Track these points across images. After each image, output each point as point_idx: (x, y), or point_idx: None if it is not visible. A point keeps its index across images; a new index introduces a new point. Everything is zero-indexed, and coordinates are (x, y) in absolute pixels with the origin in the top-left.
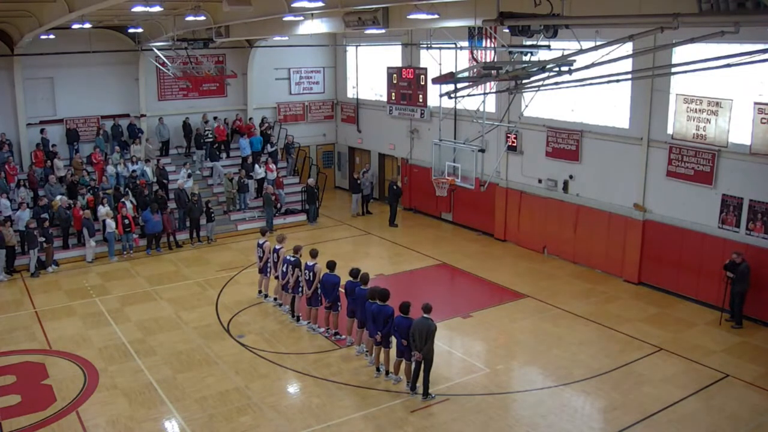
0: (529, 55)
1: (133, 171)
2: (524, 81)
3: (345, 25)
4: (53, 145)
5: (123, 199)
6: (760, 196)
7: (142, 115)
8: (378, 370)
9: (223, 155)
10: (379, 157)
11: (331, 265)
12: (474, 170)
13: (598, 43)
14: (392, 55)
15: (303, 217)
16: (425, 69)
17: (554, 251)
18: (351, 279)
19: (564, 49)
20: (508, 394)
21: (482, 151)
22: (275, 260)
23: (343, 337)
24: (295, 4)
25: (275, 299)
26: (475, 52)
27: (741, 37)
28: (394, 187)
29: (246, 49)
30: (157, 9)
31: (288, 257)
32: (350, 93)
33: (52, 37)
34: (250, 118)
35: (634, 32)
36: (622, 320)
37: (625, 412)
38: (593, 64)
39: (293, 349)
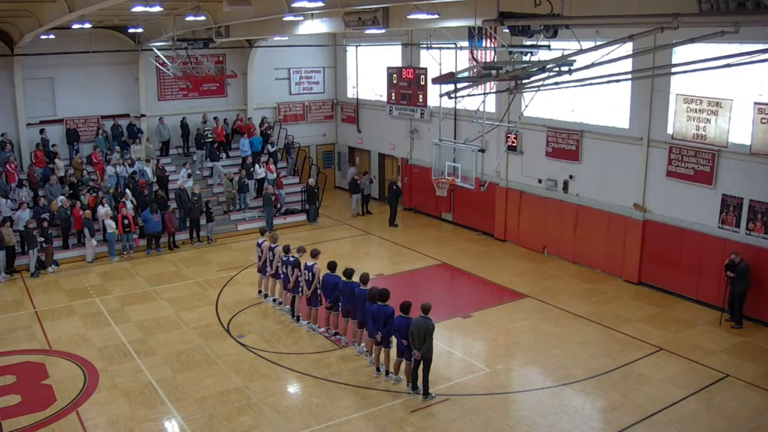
0: (529, 55)
1: (133, 171)
2: (524, 81)
3: (345, 25)
4: (53, 145)
5: (123, 199)
6: (760, 196)
7: (142, 115)
8: (378, 370)
9: (223, 155)
10: (379, 157)
11: (331, 266)
12: (474, 170)
13: (598, 43)
14: (392, 55)
15: (303, 217)
16: (425, 69)
17: (554, 251)
18: (345, 279)
19: (564, 49)
20: (508, 394)
21: (482, 151)
22: (271, 259)
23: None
24: (295, 4)
25: (275, 299)
26: (475, 52)
27: (741, 37)
28: (394, 187)
29: (246, 49)
30: (157, 9)
31: (287, 257)
32: (350, 93)
33: (52, 37)
34: (249, 118)
35: (634, 32)
36: (622, 320)
37: (625, 412)
38: (593, 64)
39: (293, 349)
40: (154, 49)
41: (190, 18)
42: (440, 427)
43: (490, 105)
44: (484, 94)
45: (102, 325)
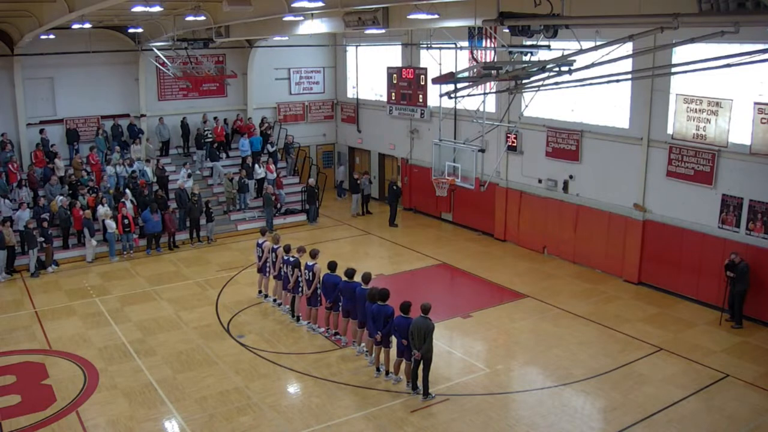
0: (529, 55)
1: (133, 171)
2: (524, 81)
3: (345, 25)
4: (53, 145)
5: (123, 199)
6: (760, 196)
7: (142, 115)
8: (378, 370)
9: (223, 155)
10: (379, 157)
11: (332, 266)
12: (474, 170)
13: (598, 43)
14: (392, 55)
15: (303, 217)
16: (425, 69)
17: (554, 251)
18: (346, 279)
19: (564, 49)
20: (508, 394)
21: (482, 151)
22: (273, 260)
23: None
24: (295, 4)
25: (275, 299)
26: (475, 52)
27: (741, 37)
28: (394, 187)
29: (246, 49)
30: (157, 9)
31: (288, 257)
32: (350, 93)
33: (52, 37)
34: (249, 118)
35: (634, 32)
36: (622, 320)
37: (625, 412)
38: (593, 64)
39: (293, 349)
40: (154, 49)
41: (190, 18)
42: (440, 427)
43: (490, 105)
44: (484, 94)
45: (102, 325)
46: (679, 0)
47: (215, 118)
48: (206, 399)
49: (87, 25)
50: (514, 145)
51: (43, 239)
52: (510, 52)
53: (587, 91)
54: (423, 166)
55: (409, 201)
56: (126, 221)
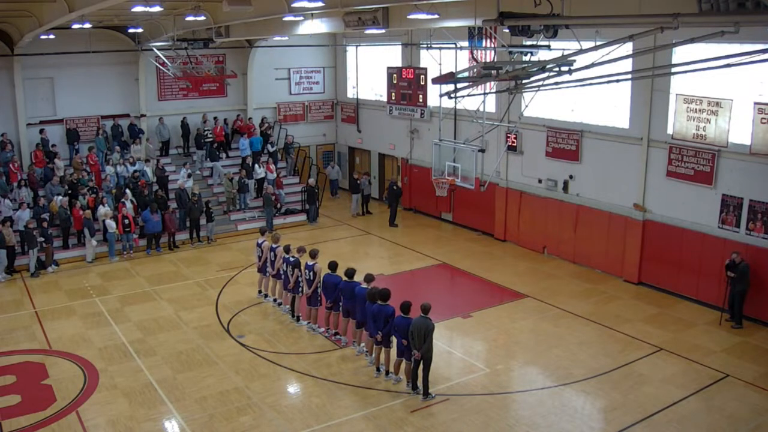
0: (529, 55)
1: (134, 171)
2: (524, 81)
3: (345, 25)
4: (53, 145)
5: (123, 199)
6: (760, 196)
7: (142, 115)
8: (378, 370)
9: (223, 155)
10: (379, 157)
11: (332, 266)
12: (474, 170)
13: (598, 43)
14: (392, 55)
15: (303, 217)
16: (425, 69)
17: (554, 251)
18: (346, 279)
19: (564, 49)
20: (508, 394)
21: (482, 151)
22: (272, 259)
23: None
24: (295, 4)
25: (275, 299)
26: (475, 52)
27: (741, 37)
28: (394, 187)
29: (246, 49)
30: (157, 9)
31: (288, 257)
32: (350, 93)
33: (52, 37)
34: (250, 118)
35: (634, 32)
36: (622, 320)
37: (625, 412)
38: (593, 64)
39: (293, 349)
40: (154, 49)
41: (190, 18)
42: (440, 427)
43: (490, 105)
44: (484, 94)
45: (102, 325)
46: (679, 0)
47: (215, 118)
48: (206, 399)
49: (87, 25)
50: (514, 145)
51: (43, 239)
52: (510, 52)
53: (587, 91)
54: (423, 166)
55: (409, 201)
56: (126, 221)
